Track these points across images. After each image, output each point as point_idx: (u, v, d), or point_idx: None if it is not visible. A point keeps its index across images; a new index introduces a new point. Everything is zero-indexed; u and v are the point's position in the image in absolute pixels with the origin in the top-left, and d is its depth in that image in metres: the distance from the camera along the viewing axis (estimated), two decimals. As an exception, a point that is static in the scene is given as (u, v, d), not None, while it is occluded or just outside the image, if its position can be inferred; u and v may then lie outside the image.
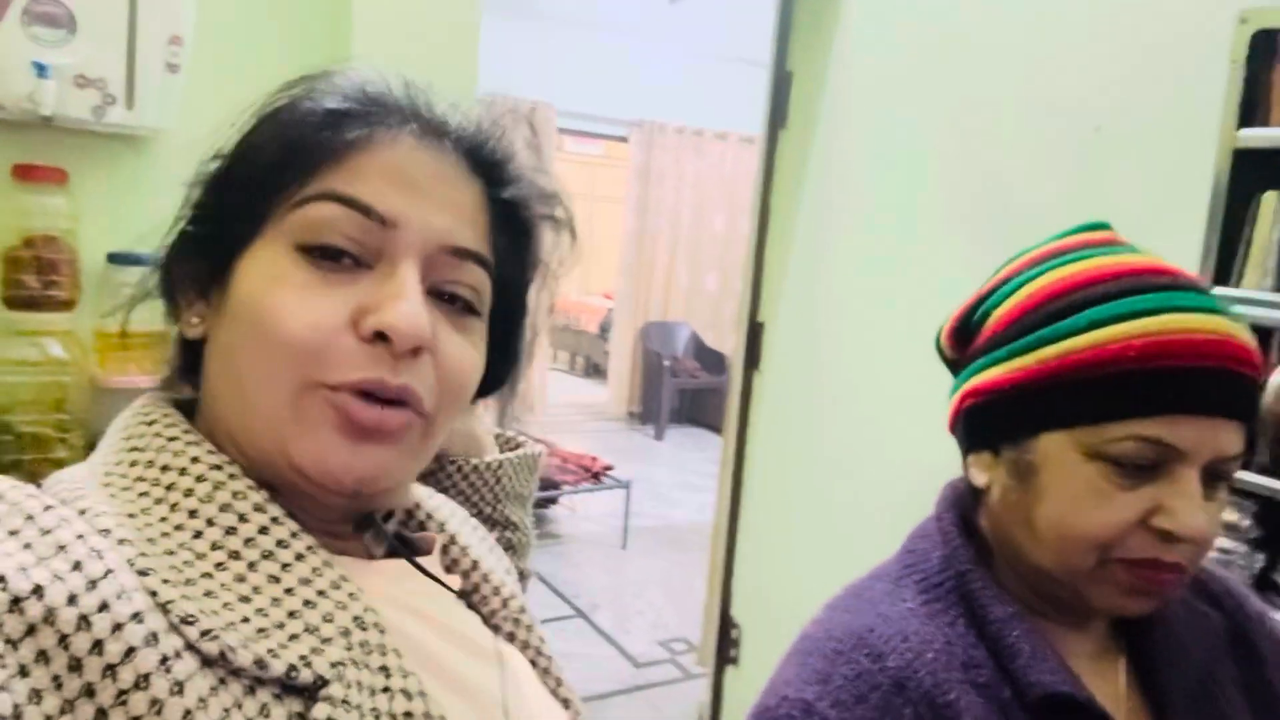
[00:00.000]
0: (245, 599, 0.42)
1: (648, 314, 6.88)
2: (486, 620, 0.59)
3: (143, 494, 0.45)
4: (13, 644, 0.34)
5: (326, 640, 0.42)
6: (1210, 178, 1.34)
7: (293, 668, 0.40)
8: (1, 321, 1.33)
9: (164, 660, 0.37)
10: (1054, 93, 1.66)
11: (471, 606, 0.59)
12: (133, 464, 0.46)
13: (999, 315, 0.69)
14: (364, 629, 0.44)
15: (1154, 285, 0.64)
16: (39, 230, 1.33)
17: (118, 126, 1.35)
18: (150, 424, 0.48)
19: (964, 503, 0.76)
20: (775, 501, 2.31)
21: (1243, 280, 1.33)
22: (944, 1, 1.86)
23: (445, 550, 0.60)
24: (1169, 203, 1.45)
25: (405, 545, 0.60)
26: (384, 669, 0.44)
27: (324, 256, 0.47)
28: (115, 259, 1.38)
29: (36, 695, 0.34)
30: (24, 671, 0.34)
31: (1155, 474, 0.62)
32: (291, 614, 0.43)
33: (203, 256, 0.51)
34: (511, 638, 0.60)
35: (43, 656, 0.35)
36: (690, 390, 6.91)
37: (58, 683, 0.35)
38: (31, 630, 0.35)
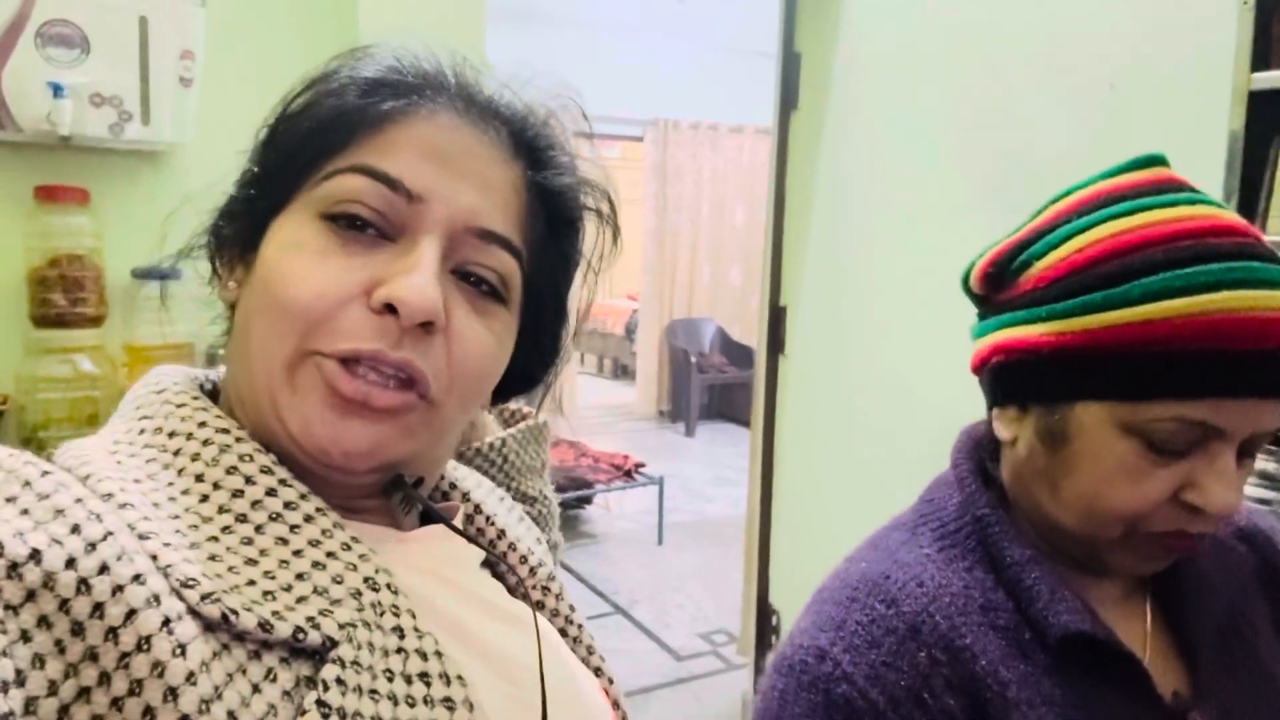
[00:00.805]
0: (252, 561, 0.41)
1: (672, 312, 6.88)
2: (513, 591, 0.58)
3: (150, 460, 0.45)
4: (13, 610, 0.34)
5: (336, 602, 0.42)
6: (1226, 125, 1.32)
7: (299, 630, 0.39)
8: (31, 340, 1.36)
9: (166, 622, 0.36)
10: (1067, 53, 1.64)
11: (498, 576, 0.58)
12: (140, 431, 0.46)
13: (1042, 268, 0.65)
14: (375, 590, 0.43)
15: (1213, 253, 0.58)
16: (64, 250, 1.36)
17: (135, 143, 1.37)
18: (160, 392, 0.49)
19: (982, 449, 0.75)
20: (807, 483, 2.30)
21: (1267, 225, 1.31)
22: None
23: (470, 520, 0.60)
24: (1188, 154, 1.42)
25: (427, 514, 0.60)
26: (397, 629, 0.43)
27: (348, 226, 0.46)
28: (139, 274, 1.40)
29: (39, 660, 0.34)
30: (26, 637, 0.34)
31: (1190, 450, 0.60)
32: (300, 576, 0.42)
33: (241, 221, 0.51)
34: (540, 606, 0.59)
35: (44, 621, 0.34)
36: (719, 385, 6.89)
37: (60, 647, 0.34)
38: (31, 595, 0.34)
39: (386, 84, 0.49)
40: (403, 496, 0.51)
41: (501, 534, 0.60)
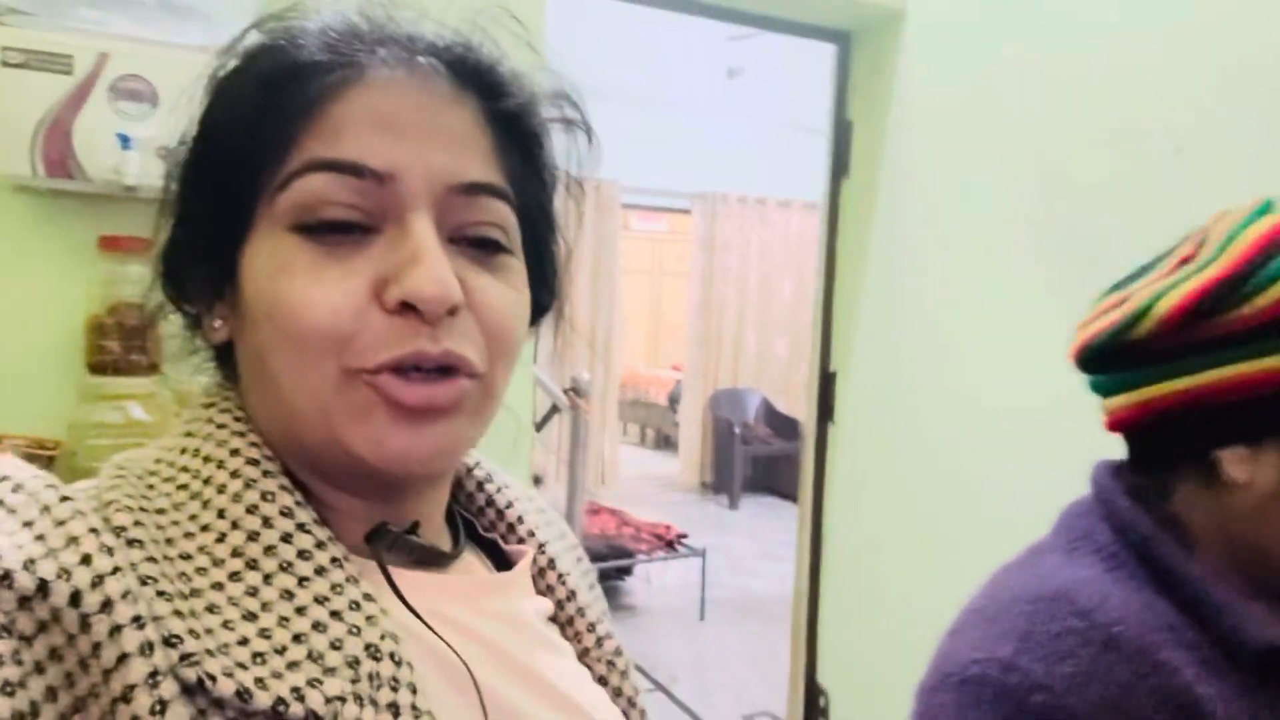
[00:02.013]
0: (251, 616, 0.39)
1: (717, 382, 6.85)
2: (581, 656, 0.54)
3: (181, 486, 0.43)
4: (27, 640, 0.34)
5: (330, 670, 0.38)
6: (1305, 187, 1.27)
7: (281, 701, 0.36)
8: (87, 387, 1.37)
9: (153, 674, 0.34)
10: (1130, 117, 1.61)
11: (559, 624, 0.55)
12: (182, 450, 0.45)
13: (1264, 303, 0.63)
14: (377, 659, 0.40)
15: None
16: (123, 298, 1.37)
17: (197, 195, 1.40)
18: (208, 406, 0.47)
19: (1140, 491, 0.71)
20: (857, 557, 2.22)
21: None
22: (1006, 32, 1.83)
23: (541, 573, 0.56)
24: (1262, 220, 1.38)
25: (494, 553, 0.56)
26: (393, 706, 0.39)
27: (329, 231, 0.43)
28: (194, 323, 1.42)
29: (51, 693, 0.34)
30: (39, 668, 0.34)
31: None
32: (297, 638, 0.39)
33: (202, 259, 0.47)
34: (603, 682, 0.55)
35: (55, 654, 0.34)
36: (763, 458, 6.79)
37: (70, 680, 0.34)
38: (44, 627, 0.34)
39: (306, 64, 0.44)
40: (393, 541, 0.47)
41: (572, 595, 0.55)
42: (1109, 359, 0.70)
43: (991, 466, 1.79)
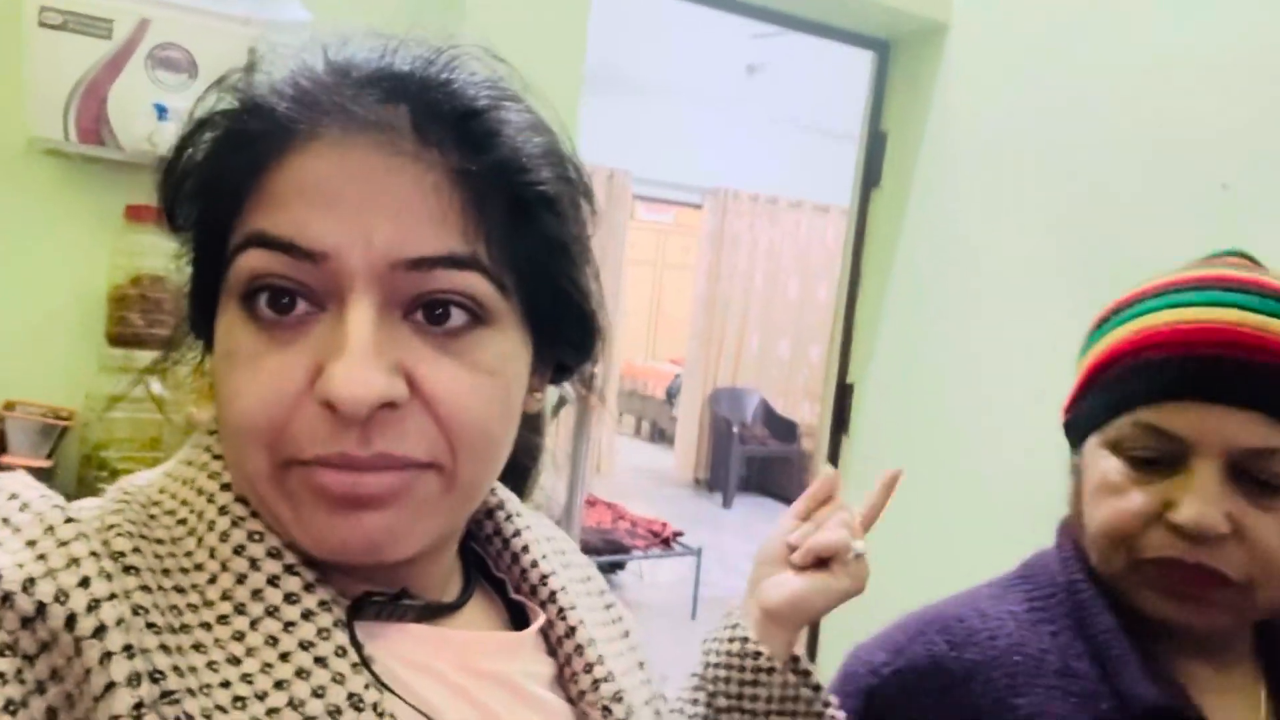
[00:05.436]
0: (235, 660, 0.38)
1: (717, 380, 6.83)
2: (576, 700, 0.51)
3: (180, 520, 0.43)
4: (29, 660, 0.34)
5: (310, 719, 0.38)
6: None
7: None
8: (105, 357, 1.34)
9: (138, 707, 0.34)
10: (1176, 151, 1.59)
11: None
12: (182, 481, 0.45)
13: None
14: (359, 709, 0.39)
15: (1187, 287, 0.65)
16: (147, 269, 1.35)
17: (228, 169, 1.37)
18: (211, 434, 0.46)
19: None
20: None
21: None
22: (1051, 54, 1.81)
23: (550, 625, 0.53)
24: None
25: (511, 607, 0.54)
26: None
27: (271, 307, 0.40)
28: (218, 299, 1.39)
29: (52, 714, 0.34)
30: (41, 688, 0.34)
31: (1172, 470, 0.63)
32: (279, 684, 0.38)
33: (194, 322, 0.47)
34: None
35: (56, 675, 0.34)
36: (759, 459, 6.79)
37: (70, 701, 0.34)
38: (45, 647, 0.34)
39: (248, 130, 0.41)
40: (377, 613, 0.45)
41: (588, 667, 0.51)
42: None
43: (1008, 488, 1.77)
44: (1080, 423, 0.71)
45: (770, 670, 0.66)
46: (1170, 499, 0.62)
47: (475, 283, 0.41)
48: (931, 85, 2.07)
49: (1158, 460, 0.63)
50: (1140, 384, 0.64)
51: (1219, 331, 0.62)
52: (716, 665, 0.68)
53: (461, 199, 0.41)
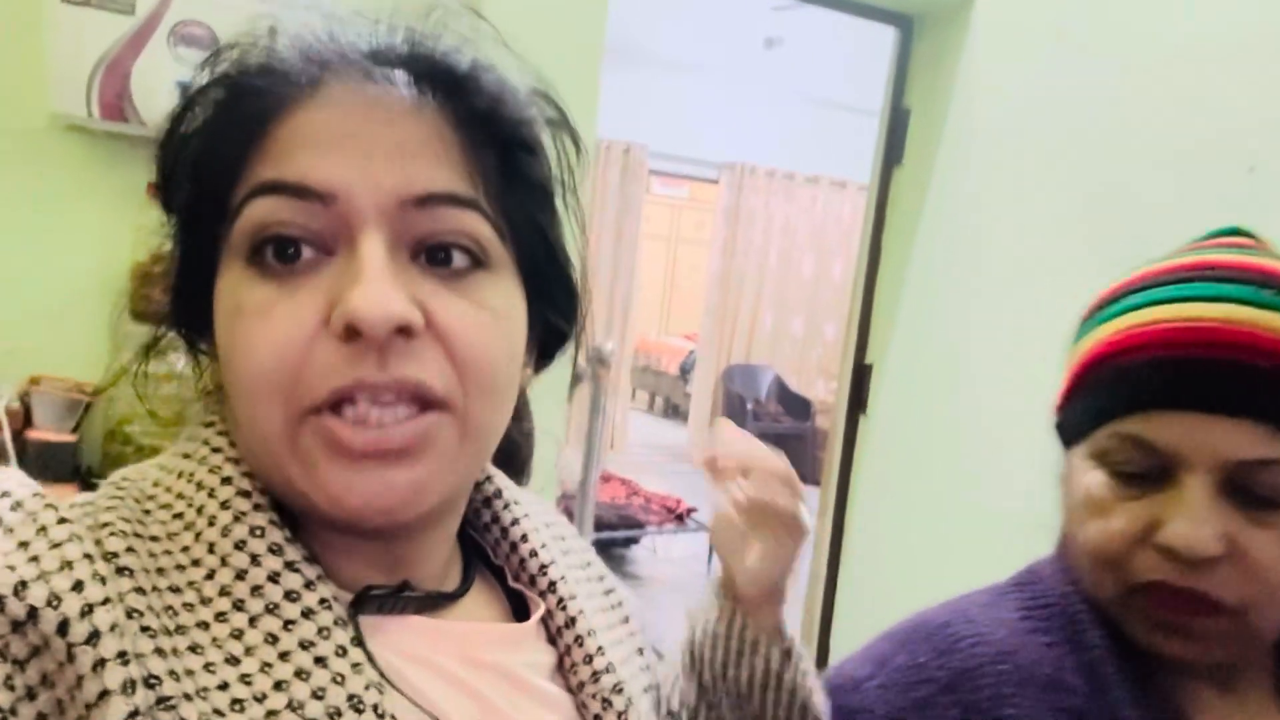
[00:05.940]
0: (234, 660, 0.38)
1: (730, 356, 6.82)
2: (576, 691, 0.51)
3: (177, 515, 0.42)
4: (20, 665, 0.33)
5: None
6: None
7: None
8: (128, 334, 1.35)
9: (134, 715, 0.33)
10: (1201, 133, 1.56)
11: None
12: (179, 474, 0.44)
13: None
14: (359, 710, 0.38)
15: (1173, 278, 0.60)
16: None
17: (250, 146, 1.37)
18: (208, 425, 0.46)
19: None
20: (881, 551, 2.21)
21: None
22: (1077, 32, 1.78)
23: (550, 615, 0.53)
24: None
25: (511, 595, 0.54)
26: None
27: (278, 258, 0.40)
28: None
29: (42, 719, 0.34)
30: (31, 695, 0.33)
31: (1160, 485, 0.57)
32: (278, 685, 0.38)
33: (187, 297, 0.46)
34: None
35: (47, 680, 0.34)
36: (773, 435, 6.77)
37: (61, 708, 0.34)
38: (37, 651, 0.34)
39: (253, 86, 0.42)
40: (378, 607, 0.45)
41: (588, 659, 0.51)
42: None
43: (1026, 472, 1.77)
44: (1065, 430, 0.66)
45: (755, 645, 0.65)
46: (1158, 517, 0.57)
47: (477, 224, 0.43)
48: (956, 62, 2.04)
49: (1145, 475, 0.58)
50: (1122, 392, 0.59)
51: (1206, 331, 0.56)
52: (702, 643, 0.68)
53: (460, 145, 0.43)
